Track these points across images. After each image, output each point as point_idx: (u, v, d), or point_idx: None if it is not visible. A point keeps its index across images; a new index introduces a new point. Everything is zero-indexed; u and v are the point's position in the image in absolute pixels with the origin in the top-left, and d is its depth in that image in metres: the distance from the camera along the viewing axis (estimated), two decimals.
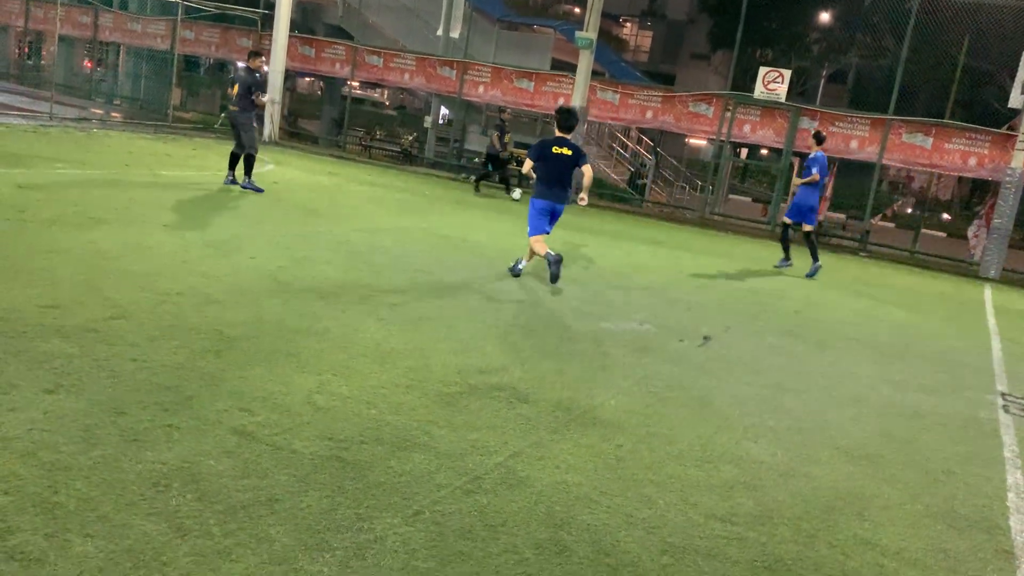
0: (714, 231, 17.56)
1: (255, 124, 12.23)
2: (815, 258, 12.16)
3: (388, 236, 9.80)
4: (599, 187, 21.83)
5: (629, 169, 24.99)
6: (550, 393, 4.82)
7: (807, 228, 12.09)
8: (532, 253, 8.46)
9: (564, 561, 2.97)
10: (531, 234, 8.33)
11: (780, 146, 18.32)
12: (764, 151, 30.38)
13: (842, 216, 22.49)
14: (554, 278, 7.94)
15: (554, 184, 8.27)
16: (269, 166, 15.65)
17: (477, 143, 22.94)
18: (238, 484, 3.16)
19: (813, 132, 12.36)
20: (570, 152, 8.19)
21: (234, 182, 11.95)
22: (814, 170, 11.78)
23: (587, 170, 8.16)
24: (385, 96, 43.62)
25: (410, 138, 24.18)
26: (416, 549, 2.89)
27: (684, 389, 5.35)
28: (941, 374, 6.97)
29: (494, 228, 9.80)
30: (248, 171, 11.93)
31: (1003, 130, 16.65)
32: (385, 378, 4.64)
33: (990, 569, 3.44)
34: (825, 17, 32.25)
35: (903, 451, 4.79)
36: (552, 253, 8.06)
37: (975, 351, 8.25)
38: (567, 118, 8.27)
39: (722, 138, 18.75)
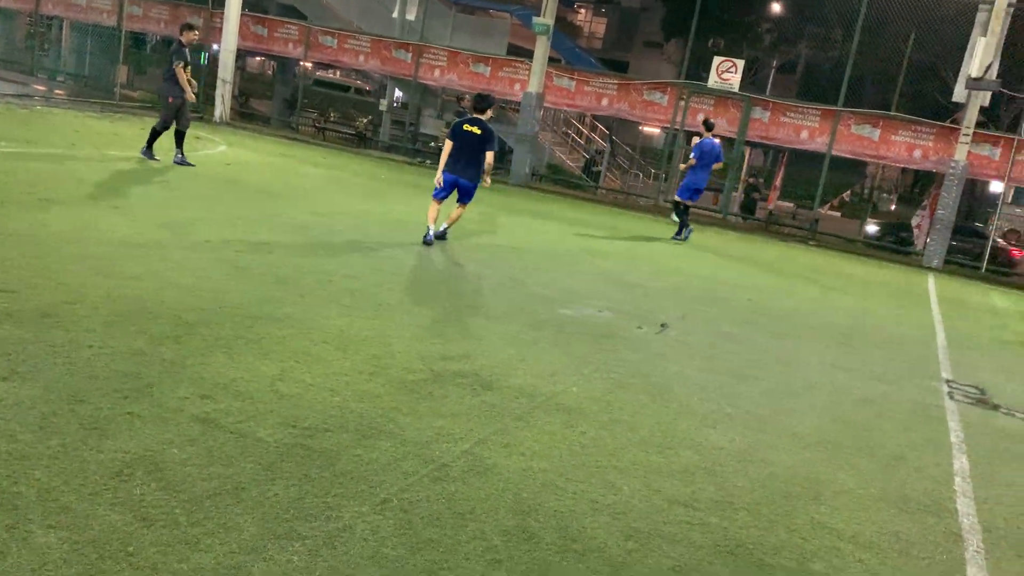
0: (667, 219, 17.75)
1: (178, 98, 11.73)
2: (682, 229, 13.54)
3: (345, 219, 9.71)
4: (555, 173, 21.89)
5: (584, 156, 25.10)
6: (513, 379, 4.85)
7: (687, 203, 13.54)
8: (452, 220, 9.32)
9: (532, 547, 3.00)
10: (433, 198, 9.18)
11: (733, 135, 18.55)
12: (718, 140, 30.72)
13: (791, 205, 22.92)
14: (426, 243, 8.83)
15: (460, 159, 8.94)
16: (221, 147, 15.36)
17: (432, 127, 22.81)
18: (203, 473, 3.12)
19: (703, 120, 13.79)
20: (479, 131, 8.87)
21: (182, 160, 11.69)
22: (692, 155, 13.21)
23: (489, 155, 8.91)
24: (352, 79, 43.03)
25: (365, 121, 23.94)
26: (385, 537, 2.90)
27: (644, 376, 5.42)
28: (890, 361, 7.17)
29: (450, 213, 9.76)
30: (178, 144, 11.76)
31: (947, 123, 17.10)
32: (348, 365, 4.61)
33: (940, 551, 3.57)
34: (776, 7, 32.65)
35: (856, 437, 4.92)
36: (432, 233, 8.89)
37: (921, 339, 8.50)
38: (479, 101, 9.08)
39: (676, 127, 18.92)
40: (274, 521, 2.87)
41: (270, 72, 36.11)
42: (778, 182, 22.23)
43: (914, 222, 21.96)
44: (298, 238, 8.03)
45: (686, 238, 13.50)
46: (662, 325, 6.98)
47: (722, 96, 18.31)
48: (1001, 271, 17.42)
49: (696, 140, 13.73)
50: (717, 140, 13.63)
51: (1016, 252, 19.57)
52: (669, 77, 24.48)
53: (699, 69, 21.76)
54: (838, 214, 29.00)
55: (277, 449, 3.43)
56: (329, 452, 3.48)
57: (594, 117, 24.63)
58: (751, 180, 23.53)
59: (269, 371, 4.30)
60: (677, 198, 13.80)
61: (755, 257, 13.71)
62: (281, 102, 25.66)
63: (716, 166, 13.48)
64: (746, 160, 22.42)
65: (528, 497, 3.39)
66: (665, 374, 5.55)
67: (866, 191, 33.54)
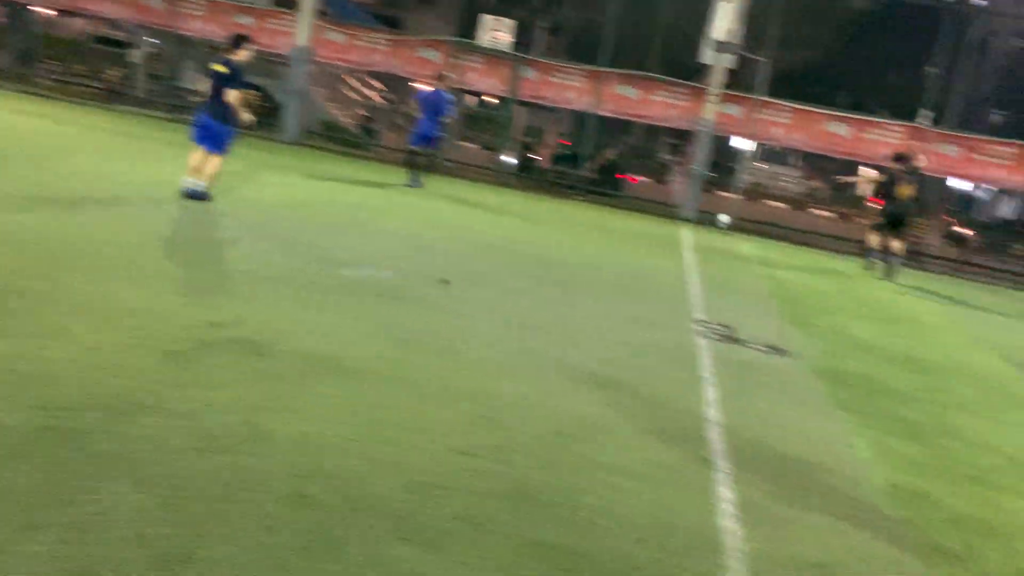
0: (446, 177, 17.88)
1: None
2: (412, 176, 13.82)
3: (96, 182, 8.90)
4: (331, 131, 21.29)
5: (361, 113, 24.61)
6: (290, 344, 4.70)
7: (418, 150, 13.91)
8: (208, 174, 8.71)
9: (311, 512, 2.95)
10: None
11: (506, 94, 18.91)
12: (491, 99, 31.22)
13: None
14: (187, 195, 8.47)
15: (209, 98, 8.73)
16: None
17: (194, 81, 21.32)
18: None
19: (438, 74, 14.32)
20: (225, 70, 8.61)
21: None
22: (418, 101, 14.03)
23: (230, 93, 8.55)
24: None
25: (117, 74, 21.96)
26: (148, 516, 2.72)
27: (429, 334, 5.45)
28: (652, 306, 7.71)
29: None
30: None
31: (698, 84, 18.41)
32: (104, 338, 4.25)
33: (695, 475, 3.91)
34: None
35: (623, 377, 5.26)
36: (192, 185, 8.46)
37: (678, 285, 9.20)
38: (233, 40, 8.99)
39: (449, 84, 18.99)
40: (18, 512, 2.61)
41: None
42: (553, 141, 23.03)
43: (673, 177, 23.61)
44: (40, 202, 7.25)
45: (415, 187, 13.59)
46: (446, 282, 7.04)
47: (493, 56, 18.56)
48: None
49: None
50: (448, 92, 14.13)
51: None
52: (443, 35, 24.45)
53: (472, 28, 21.89)
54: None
55: (21, 433, 3.10)
56: (84, 432, 3.21)
57: (369, 73, 24.16)
58: (525, 139, 24.20)
59: (7, 350, 3.87)
60: (412, 146, 14.22)
61: (532, 213, 14.16)
62: (16, 52, 22.90)
63: (445, 118, 14.01)
64: (521, 120, 23.01)
65: (306, 462, 3.31)
66: (450, 330, 5.62)
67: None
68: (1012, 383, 7.36)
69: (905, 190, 12.81)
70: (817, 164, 41.09)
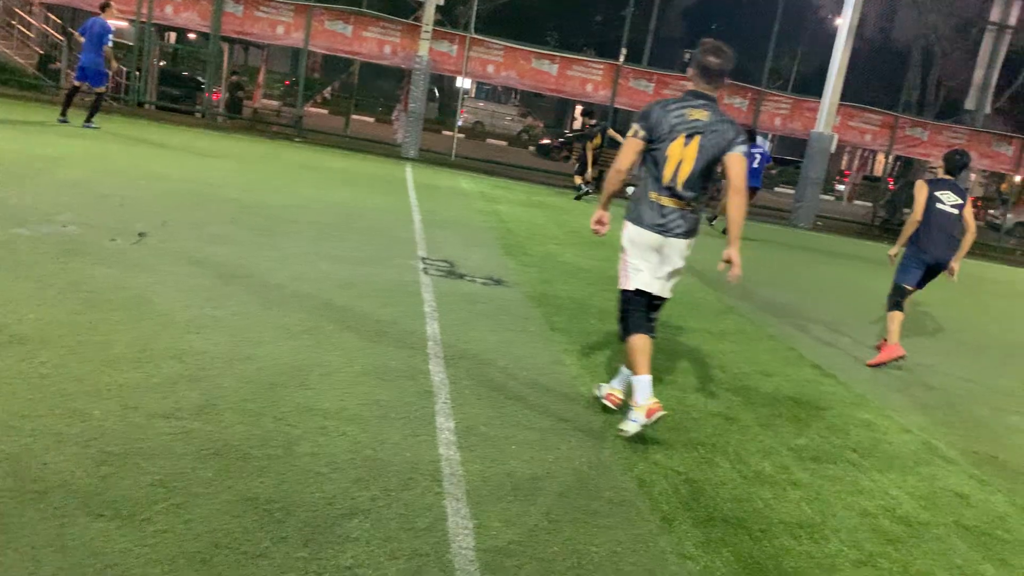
0: (147, 120, 16.40)
1: None
2: (90, 118, 13.12)
3: None
4: (1, 73, 18.63)
5: (38, 52, 21.73)
6: None
7: (98, 90, 13.27)
8: None
9: None
10: None
11: (207, 30, 17.58)
12: (193, 35, 28.97)
13: (277, 103, 22.79)
14: None
15: None
16: None
17: None
18: None
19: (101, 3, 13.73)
20: None
21: None
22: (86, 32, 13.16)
23: None
24: None
25: None
26: None
27: (120, 290, 4.97)
28: (373, 246, 7.63)
29: None
30: None
31: (411, 20, 18.31)
32: None
33: (415, 409, 3.94)
34: None
35: (341, 320, 5.16)
36: None
37: (401, 224, 9.19)
38: None
39: (143, 19, 17.32)
40: None
41: None
42: (261, 79, 21.84)
43: (394, 116, 23.44)
44: None
45: (89, 127, 12.88)
46: (140, 234, 6.46)
47: None
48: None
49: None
50: (110, 21, 13.54)
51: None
52: None
53: None
54: (325, 111, 29.69)
55: None
56: None
57: (46, 6, 21.32)
58: (235, 78, 22.76)
59: None
60: (75, 82, 13.42)
61: (242, 156, 13.42)
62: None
63: (106, 49, 13.17)
64: (227, 57, 21.52)
65: None
66: (144, 286, 5.16)
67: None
68: (700, 292, 8.21)
69: (596, 141, 15.99)
70: (534, 103, 42.89)
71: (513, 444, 3.75)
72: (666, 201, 4.01)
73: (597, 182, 15.59)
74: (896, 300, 6.77)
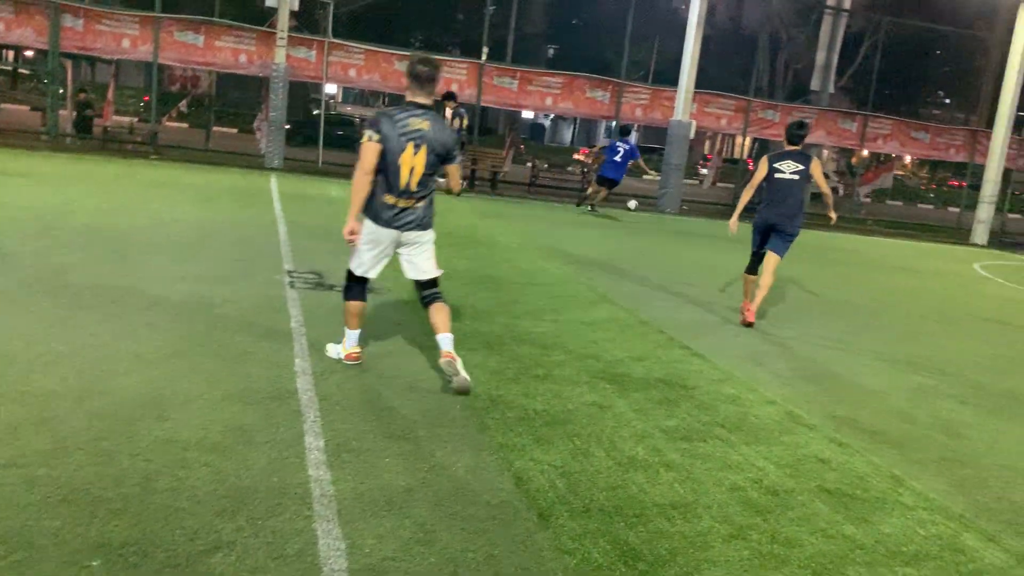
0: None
1: None
2: None
3: None
4: None
5: None
6: None
7: None
8: None
9: None
10: None
11: (44, 46, 16.57)
12: (30, 53, 27.30)
13: (131, 119, 21.76)
14: None
15: None
16: None
17: None
18: None
19: None
20: None
21: None
22: None
23: None
24: None
25: None
26: None
27: None
28: (235, 262, 7.36)
29: None
30: None
31: (266, 27, 17.79)
32: None
33: (282, 430, 3.81)
34: None
35: (201, 344, 4.94)
36: None
37: (265, 236, 8.92)
38: None
39: None
40: None
41: None
42: (111, 95, 20.71)
43: (256, 126, 22.73)
44: None
45: None
46: None
47: (23, 3, 16.10)
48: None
49: None
50: None
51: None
52: None
53: None
54: (185, 125, 28.50)
55: None
56: None
57: None
58: (82, 96, 21.51)
59: None
60: None
61: (93, 177, 12.72)
62: None
63: None
64: (70, 74, 20.29)
65: None
66: None
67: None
68: (572, 284, 8.33)
69: (455, 123, 15.44)
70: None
71: (387, 457, 3.68)
72: (402, 203, 4.58)
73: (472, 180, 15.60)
74: (750, 264, 7.63)
